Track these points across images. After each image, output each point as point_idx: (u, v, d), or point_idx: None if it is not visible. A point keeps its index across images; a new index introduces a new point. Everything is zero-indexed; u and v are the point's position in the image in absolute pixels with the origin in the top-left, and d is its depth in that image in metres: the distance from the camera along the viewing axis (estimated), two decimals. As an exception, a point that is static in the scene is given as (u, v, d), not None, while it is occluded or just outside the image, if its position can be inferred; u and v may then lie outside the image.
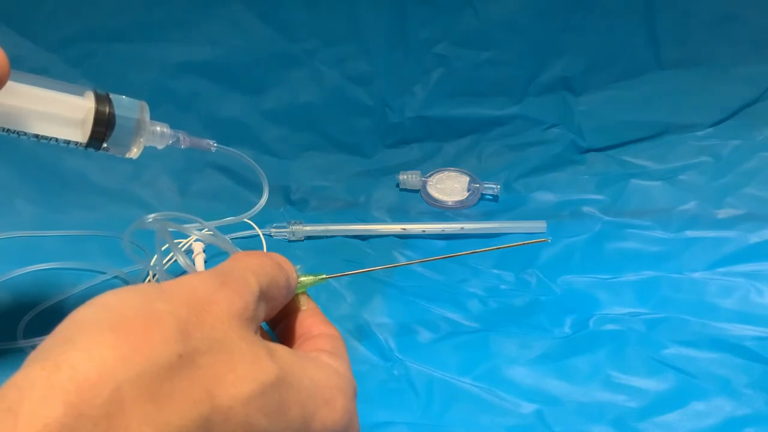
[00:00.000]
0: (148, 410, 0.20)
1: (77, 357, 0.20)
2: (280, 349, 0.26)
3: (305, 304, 0.33)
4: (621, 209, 0.60)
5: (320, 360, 0.29)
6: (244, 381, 0.23)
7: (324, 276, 0.34)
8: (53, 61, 0.56)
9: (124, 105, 0.38)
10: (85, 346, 0.20)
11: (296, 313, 0.33)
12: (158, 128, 0.40)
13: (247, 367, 0.23)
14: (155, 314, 0.22)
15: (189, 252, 0.53)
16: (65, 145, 0.37)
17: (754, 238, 0.56)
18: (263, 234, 0.56)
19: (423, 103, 0.64)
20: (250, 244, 0.56)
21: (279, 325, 0.33)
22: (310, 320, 0.32)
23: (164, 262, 0.48)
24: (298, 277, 0.32)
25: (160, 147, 0.40)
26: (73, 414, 0.19)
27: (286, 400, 0.25)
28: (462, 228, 0.58)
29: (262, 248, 0.56)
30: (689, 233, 0.57)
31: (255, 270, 0.28)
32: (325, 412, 0.26)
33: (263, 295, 0.27)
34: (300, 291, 0.33)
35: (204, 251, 0.53)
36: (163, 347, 0.21)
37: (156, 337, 0.21)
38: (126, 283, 0.51)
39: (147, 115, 0.39)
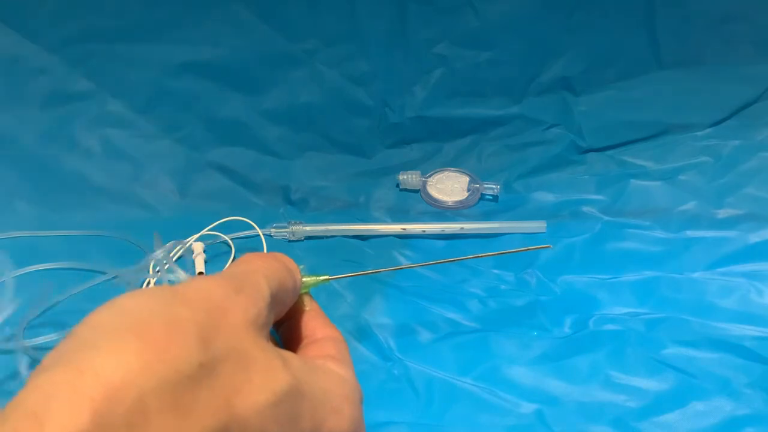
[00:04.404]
0: (170, 420, 0.20)
1: (101, 362, 0.19)
2: (291, 357, 0.26)
3: (308, 305, 0.33)
4: (621, 209, 0.60)
5: (328, 368, 0.28)
6: (260, 390, 0.23)
7: (327, 277, 0.33)
8: (53, 61, 0.56)
9: None
10: (109, 351, 0.20)
11: (300, 314, 0.32)
12: None
13: (263, 377, 0.23)
14: (176, 320, 0.22)
15: (189, 252, 0.53)
16: None
17: (754, 238, 0.56)
18: (263, 234, 0.56)
19: (423, 103, 0.64)
20: (250, 244, 0.56)
21: (282, 326, 0.33)
22: (313, 322, 0.32)
23: (169, 257, 0.48)
24: (302, 278, 0.32)
25: None
26: (96, 422, 0.18)
27: (299, 409, 0.24)
28: (462, 228, 0.58)
29: (262, 248, 0.56)
30: (689, 233, 0.57)
31: (266, 274, 0.27)
32: (334, 420, 0.26)
33: (273, 300, 0.27)
34: (303, 292, 0.33)
35: (204, 251, 0.53)
36: (185, 355, 0.21)
37: (178, 344, 0.21)
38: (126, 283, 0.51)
39: None
